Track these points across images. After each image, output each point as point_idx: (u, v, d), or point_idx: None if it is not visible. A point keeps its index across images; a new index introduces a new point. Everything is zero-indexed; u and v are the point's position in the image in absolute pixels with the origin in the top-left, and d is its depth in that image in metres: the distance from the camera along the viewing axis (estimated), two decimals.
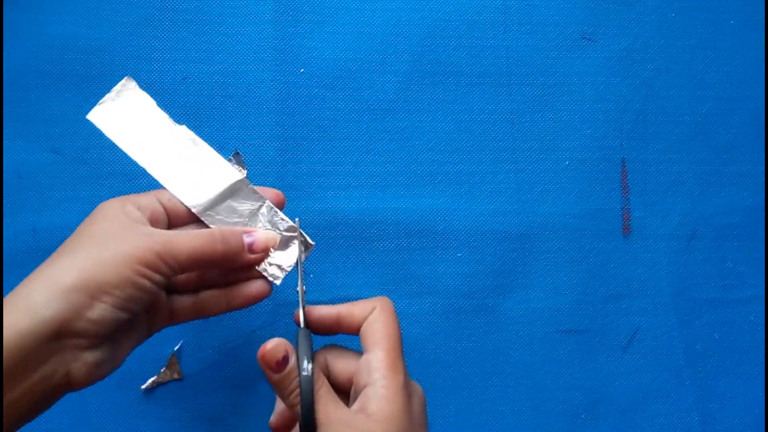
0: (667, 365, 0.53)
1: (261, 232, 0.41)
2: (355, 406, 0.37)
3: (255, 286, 0.42)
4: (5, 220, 0.51)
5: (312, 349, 0.39)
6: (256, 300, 0.42)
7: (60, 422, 0.50)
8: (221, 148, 0.53)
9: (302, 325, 0.40)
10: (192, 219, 0.42)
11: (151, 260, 0.35)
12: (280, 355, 0.37)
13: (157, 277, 0.36)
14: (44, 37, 0.53)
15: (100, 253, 0.35)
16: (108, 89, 0.50)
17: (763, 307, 0.53)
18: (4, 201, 0.52)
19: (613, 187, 0.54)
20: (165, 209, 0.40)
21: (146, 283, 0.35)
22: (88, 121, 0.53)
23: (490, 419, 0.51)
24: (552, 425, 0.51)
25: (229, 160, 0.48)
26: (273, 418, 0.41)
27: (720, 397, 0.53)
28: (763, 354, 0.53)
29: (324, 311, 0.41)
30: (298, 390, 0.37)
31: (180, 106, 0.53)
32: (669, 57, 0.55)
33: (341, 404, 0.37)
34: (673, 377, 0.53)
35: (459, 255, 0.53)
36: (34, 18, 0.53)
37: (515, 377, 0.52)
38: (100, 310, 0.34)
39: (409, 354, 0.51)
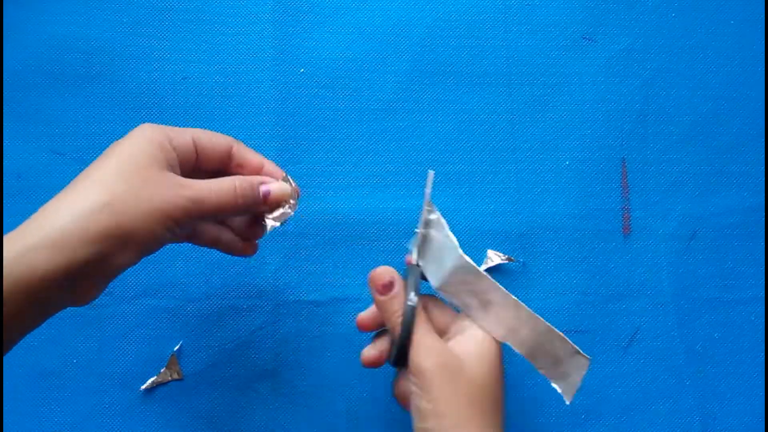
0: (668, 365, 0.53)
1: (275, 185, 0.42)
2: (454, 346, 0.40)
3: (239, 246, 0.44)
4: (5, 220, 0.51)
5: (420, 286, 0.41)
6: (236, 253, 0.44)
7: (60, 422, 0.50)
8: None
9: (415, 262, 0.42)
10: (219, 165, 0.42)
11: (180, 217, 0.37)
12: (386, 279, 0.41)
13: (179, 229, 0.37)
14: (44, 37, 0.53)
15: (137, 200, 0.35)
16: (108, 89, 0.51)
17: (763, 307, 0.53)
18: (4, 201, 0.52)
19: (613, 187, 0.54)
20: (197, 150, 0.41)
21: (168, 235, 0.37)
22: (88, 121, 0.53)
23: None
24: (552, 425, 0.51)
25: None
26: (365, 315, 0.44)
27: (720, 397, 0.53)
28: (763, 354, 0.53)
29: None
30: (399, 312, 0.40)
31: (180, 106, 0.53)
32: (669, 57, 0.55)
33: (436, 336, 0.40)
34: (674, 377, 0.53)
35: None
36: (34, 18, 0.53)
37: (516, 377, 0.52)
38: (125, 258, 0.35)
39: None
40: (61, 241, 0.33)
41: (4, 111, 0.52)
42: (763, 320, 0.53)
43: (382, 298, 0.41)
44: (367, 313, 0.44)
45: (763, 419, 0.52)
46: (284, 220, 0.43)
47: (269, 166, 0.43)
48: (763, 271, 0.53)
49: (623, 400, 0.52)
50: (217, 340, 0.51)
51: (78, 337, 0.50)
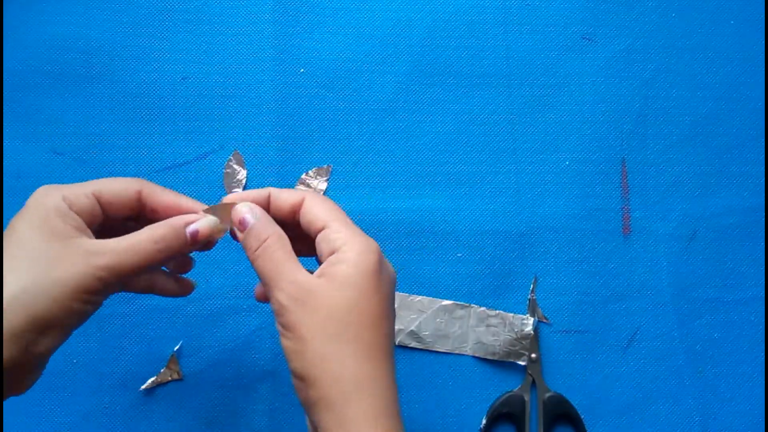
0: (668, 365, 0.53)
1: (203, 222, 0.38)
2: (317, 272, 0.35)
3: (175, 287, 0.41)
4: (5, 220, 0.51)
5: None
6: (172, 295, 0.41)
7: (60, 422, 0.50)
8: (221, 148, 0.53)
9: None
10: (128, 212, 0.39)
11: (96, 287, 0.34)
12: (240, 215, 0.37)
13: (101, 298, 0.35)
14: (44, 37, 0.53)
15: (46, 284, 0.33)
16: (108, 89, 0.50)
17: (763, 307, 0.53)
18: (4, 201, 0.52)
19: (613, 187, 0.54)
20: (101, 205, 0.38)
21: (90, 307, 0.35)
22: (88, 121, 0.53)
23: None
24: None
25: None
26: (256, 288, 0.41)
27: (720, 397, 0.53)
28: (763, 354, 0.53)
29: (255, 192, 0.39)
30: (255, 248, 0.37)
31: (180, 106, 0.53)
32: (669, 57, 0.55)
33: (294, 265, 0.36)
34: (674, 377, 0.53)
35: (459, 255, 0.53)
36: (34, 18, 0.53)
37: (516, 378, 0.52)
38: (47, 343, 0.34)
39: (413, 352, 0.51)
40: None
41: (4, 111, 0.52)
42: (763, 320, 0.53)
43: (240, 235, 0.37)
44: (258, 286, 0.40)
45: (763, 419, 0.52)
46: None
47: (185, 201, 0.39)
48: (763, 271, 0.53)
49: (623, 400, 0.52)
50: (217, 340, 0.51)
51: (78, 337, 0.50)
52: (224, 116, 0.53)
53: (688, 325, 0.53)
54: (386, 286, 0.36)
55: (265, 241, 0.36)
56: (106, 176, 0.52)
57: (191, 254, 0.41)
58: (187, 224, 0.37)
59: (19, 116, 0.52)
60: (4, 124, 0.52)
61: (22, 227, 0.35)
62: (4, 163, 0.52)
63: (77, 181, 0.52)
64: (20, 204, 0.51)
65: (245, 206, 0.37)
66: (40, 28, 0.53)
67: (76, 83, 0.53)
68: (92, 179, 0.55)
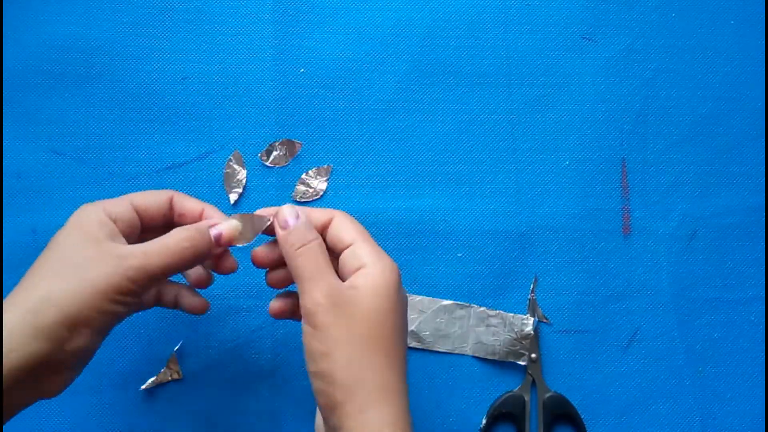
0: (668, 365, 0.53)
1: (225, 225, 0.41)
2: (347, 283, 0.38)
3: (195, 301, 0.44)
4: (5, 220, 0.51)
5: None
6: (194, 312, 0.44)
7: (60, 422, 0.50)
8: (221, 148, 0.53)
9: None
10: (162, 219, 0.42)
11: (127, 287, 0.36)
12: (287, 214, 0.40)
13: (131, 299, 0.37)
14: (44, 37, 0.53)
15: (79, 284, 0.35)
16: (108, 89, 0.50)
17: (763, 307, 0.53)
18: (4, 201, 0.52)
19: (613, 187, 0.54)
20: (138, 214, 0.41)
21: (122, 308, 0.37)
22: (88, 121, 0.53)
23: None
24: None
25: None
26: (261, 248, 0.42)
27: (720, 397, 0.53)
28: (763, 354, 0.53)
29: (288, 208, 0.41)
30: (296, 246, 0.39)
31: (180, 106, 0.53)
32: (669, 57, 0.55)
33: (328, 271, 0.38)
34: (674, 377, 0.53)
35: (459, 255, 0.53)
36: (34, 18, 0.53)
37: (516, 378, 0.52)
38: (79, 341, 0.35)
39: (412, 352, 0.51)
40: (10, 341, 0.34)
41: (4, 111, 0.52)
42: (764, 320, 0.53)
43: (282, 233, 0.40)
44: (264, 247, 0.42)
45: (764, 419, 0.52)
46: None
47: (209, 210, 0.42)
48: (763, 271, 0.54)
49: (623, 400, 0.52)
50: (217, 340, 0.51)
51: None
52: (224, 116, 0.53)
53: (688, 324, 0.53)
54: (405, 304, 0.40)
55: (310, 242, 0.39)
56: (106, 176, 0.53)
57: (213, 273, 0.44)
58: (211, 227, 0.41)
59: (19, 116, 0.52)
60: (4, 124, 0.52)
61: (61, 237, 0.38)
62: (4, 163, 0.52)
63: (78, 181, 0.52)
64: (20, 204, 0.52)
65: (291, 208, 0.40)
66: (40, 28, 0.53)
67: (76, 83, 0.53)
68: (92, 179, 0.56)
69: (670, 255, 0.54)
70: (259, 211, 0.42)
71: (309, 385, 0.40)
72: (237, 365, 0.51)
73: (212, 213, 0.42)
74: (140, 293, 0.37)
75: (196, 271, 0.44)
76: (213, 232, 0.40)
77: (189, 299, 0.44)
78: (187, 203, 0.42)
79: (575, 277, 0.53)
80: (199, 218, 0.42)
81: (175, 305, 0.43)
